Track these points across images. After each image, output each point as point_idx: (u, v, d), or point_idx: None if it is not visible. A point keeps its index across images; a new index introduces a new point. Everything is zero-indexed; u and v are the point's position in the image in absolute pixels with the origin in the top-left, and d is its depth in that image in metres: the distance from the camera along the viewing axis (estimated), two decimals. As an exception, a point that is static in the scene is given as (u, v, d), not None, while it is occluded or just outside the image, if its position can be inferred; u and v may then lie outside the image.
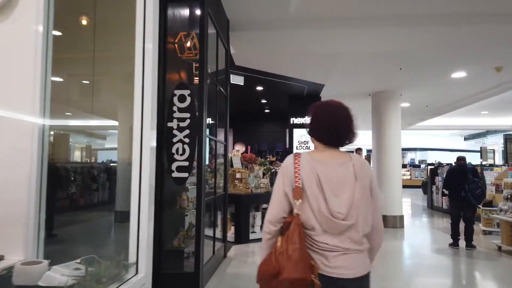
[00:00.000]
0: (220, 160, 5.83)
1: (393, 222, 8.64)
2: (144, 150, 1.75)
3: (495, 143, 26.32)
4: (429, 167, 17.20)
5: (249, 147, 12.74)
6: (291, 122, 9.71)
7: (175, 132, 3.96)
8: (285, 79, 7.82)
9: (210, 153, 5.90)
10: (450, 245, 6.67)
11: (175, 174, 3.94)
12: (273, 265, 1.47)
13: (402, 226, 8.70)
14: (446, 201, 11.67)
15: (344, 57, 6.40)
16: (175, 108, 3.99)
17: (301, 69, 7.25)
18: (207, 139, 4.52)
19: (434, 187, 12.79)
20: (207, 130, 4.22)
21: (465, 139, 30.22)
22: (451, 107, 10.67)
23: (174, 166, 3.95)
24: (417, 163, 28.97)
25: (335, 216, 1.49)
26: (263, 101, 10.43)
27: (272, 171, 7.55)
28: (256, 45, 6.02)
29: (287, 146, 12.90)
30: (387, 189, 8.73)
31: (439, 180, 12.45)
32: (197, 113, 4.02)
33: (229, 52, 5.81)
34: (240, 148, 12.83)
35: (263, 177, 7.62)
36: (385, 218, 8.67)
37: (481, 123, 17.47)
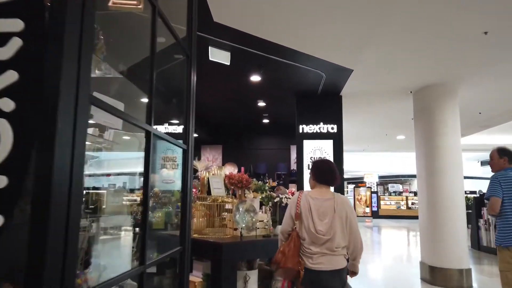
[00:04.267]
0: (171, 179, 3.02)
1: (458, 280, 5.69)
2: None
3: (519, 168, 23.63)
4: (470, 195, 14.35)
5: (242, 168, 9.90)
6: (301, 131, 6.93)
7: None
8: (294, 58, 5.11)
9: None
10: None
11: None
12: (277, 259, 2.58)
13: (470, 286, 5.76)
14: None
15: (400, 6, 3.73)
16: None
17: (322, 36, 4.54)
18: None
19: (481, 221, 9.91)
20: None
21: (481, 164, 27.61)
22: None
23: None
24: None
25: (318, 232, 2.49)
26: (261, 104, 7.69)
27: (276, 201, 4.74)
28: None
29: (293, 167, 10.07)
30: (444, 229, 5.84)
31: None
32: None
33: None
34: (231, 170, 9.99)
35: (261, 210, 4.78)
36: (444, 272, 5.72)
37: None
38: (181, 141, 2.76)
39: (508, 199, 3.27)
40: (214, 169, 4.65)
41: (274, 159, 10.33)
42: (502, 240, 3.24)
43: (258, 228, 4.34)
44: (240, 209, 4.25)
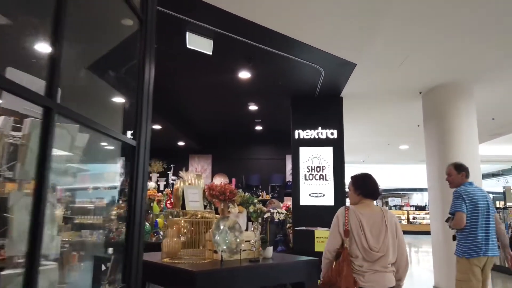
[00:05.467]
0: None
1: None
2: None
3: (523, 181, 22.99)
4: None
5: (233, 180, 9.10)
6: (296, 137, 6.17)
7: None
8: (288, 49, 4.39)
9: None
10: None
11: None
12: (330, 277, 2.48)
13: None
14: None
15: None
16: None
17: (321, 21, 3.83)
18: None
19: (493, 238, 9.11)
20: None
21: (483, 177, 26.93)
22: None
23: None
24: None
25: (372, 249, 2.40)
26: (253, 107, 6.95)
27: (266, 216, 3.95)
28: None
29: (288, 179, 9.27)
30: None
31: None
32: None
33: None
34: (222, 181, 9.18)
35: (247, 227, 3.99)
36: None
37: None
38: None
39: (470, 213, 3.38)
40: (191, 177, 3.86)
41: (268, 170, 9.53)
42: (464, 252, 3.37)
43: (244, 250, 3.54)
44: (221, 227, 3.45)
